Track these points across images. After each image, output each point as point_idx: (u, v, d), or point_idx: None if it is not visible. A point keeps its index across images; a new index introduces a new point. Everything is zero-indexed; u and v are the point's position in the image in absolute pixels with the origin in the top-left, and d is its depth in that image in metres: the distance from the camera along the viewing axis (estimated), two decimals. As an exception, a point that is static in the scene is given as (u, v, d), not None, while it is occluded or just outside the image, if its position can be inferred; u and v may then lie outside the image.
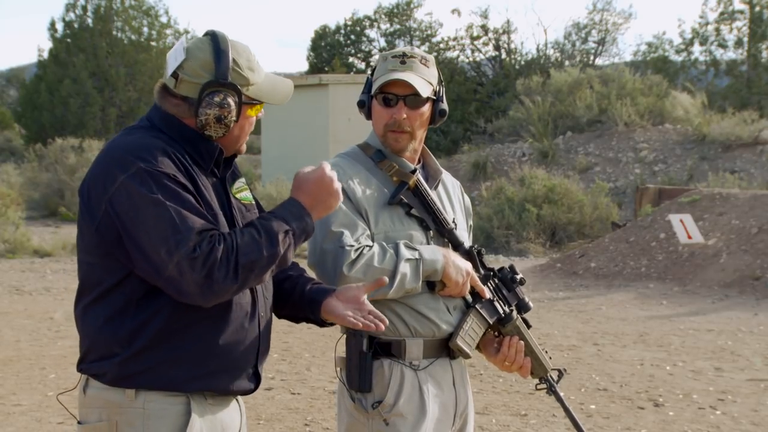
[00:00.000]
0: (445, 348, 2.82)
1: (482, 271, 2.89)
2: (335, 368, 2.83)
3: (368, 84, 2.83)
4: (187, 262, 2.22)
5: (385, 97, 2.78)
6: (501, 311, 2.89)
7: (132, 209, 2.27)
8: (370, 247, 2.67)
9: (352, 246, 2.65)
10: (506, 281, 2.93)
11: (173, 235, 2.23)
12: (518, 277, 2.94)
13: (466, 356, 2.82)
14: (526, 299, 2.95)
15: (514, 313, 2.92)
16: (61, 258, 14.76)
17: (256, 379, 2.50)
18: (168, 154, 2.32)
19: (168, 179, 2.28)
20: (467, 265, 2.81)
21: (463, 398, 2.90)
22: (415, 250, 2.71)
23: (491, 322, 2.87)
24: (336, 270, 2.64)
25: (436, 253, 2.74)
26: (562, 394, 3.00)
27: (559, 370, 3.01)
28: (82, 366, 2.42)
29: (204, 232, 2.26)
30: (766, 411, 6.53)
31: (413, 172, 2.80)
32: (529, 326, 2.96)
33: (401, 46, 2.97)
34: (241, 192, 2.55)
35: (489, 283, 2.89)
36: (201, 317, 2.34)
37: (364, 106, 2.85)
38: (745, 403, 6.72)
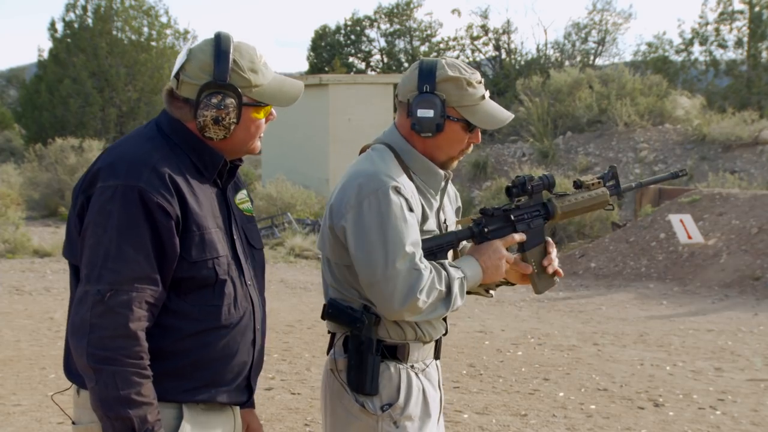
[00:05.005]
0: (435, 349, 2.85)
1: (489, 236, 2.82)
2: (331, 370, 2.81)
3: (442, 105, 2.73)
4: (92, 299, 2.21)
5: (468, 122, 2.77)
6: (543, 220, 2.89)
7: (93, 217, 2.28)
8: (427, 267, 2.64)
9: (425, 269, 2.61)
10: (525, 194, 2.87)
11: (97, 268, 2.23)
12: (531, 185, 2.86)
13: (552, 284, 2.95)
14: (549, 178, 2.89)
15: (549, 205, 2.90)
16: (61, 258, 14.74)
17: (248, 391, 2.50)
18: (160, 175, 2.29)
19: (140, 206, 2.25)
20: (499, 255, 2.78)
21: (443, 397, 2.94)
22: (458, 268, 2.70)
23: (544, 238, 2.90)
24: (410, 293, 2.57)
25: (474, 266, 2.73)
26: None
27: (611, 167, 3.06)
28: (74, 378, 2.40)
29: (128, 284, 2.23)
30: (766, 411, 6.53)
31: None
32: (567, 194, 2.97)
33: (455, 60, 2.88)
34: (244, 204, 2.54)
35: (511, 217, 2.84)
36: (193, 332, 2.34)
37: (441, 129, 2.75)
38: (745, 403, 6.72)
